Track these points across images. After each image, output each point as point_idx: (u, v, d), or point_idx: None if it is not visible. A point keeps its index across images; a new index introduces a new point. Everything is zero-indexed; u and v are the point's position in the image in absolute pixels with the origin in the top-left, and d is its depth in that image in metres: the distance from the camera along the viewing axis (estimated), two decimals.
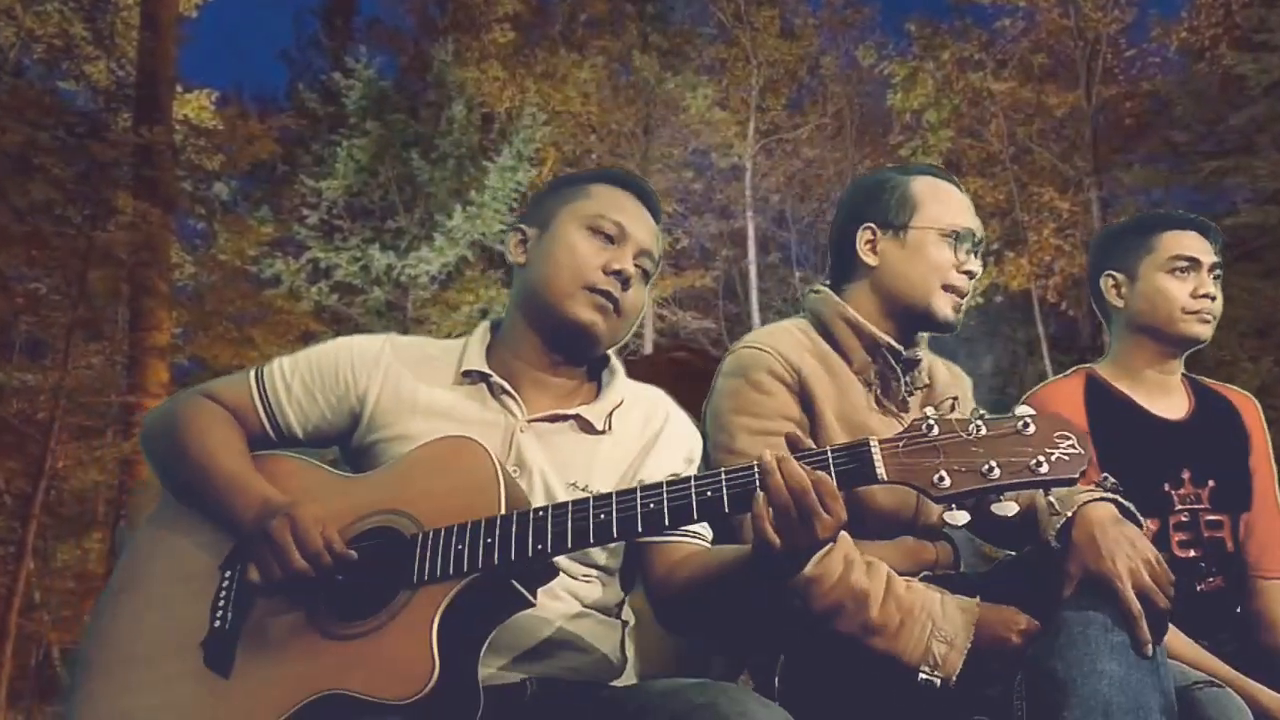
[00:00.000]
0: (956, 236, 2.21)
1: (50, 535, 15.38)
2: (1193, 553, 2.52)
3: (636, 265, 1.95)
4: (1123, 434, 2.56)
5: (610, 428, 1.95)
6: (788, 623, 1.93)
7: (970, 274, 2.23)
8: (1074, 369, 2.80)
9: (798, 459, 1.54)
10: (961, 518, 1.51)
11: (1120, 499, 1.90)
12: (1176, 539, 2.52)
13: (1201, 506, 2.55)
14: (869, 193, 2.32)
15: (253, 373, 1.95)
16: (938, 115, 24.71)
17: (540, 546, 1.58)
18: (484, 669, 1.63)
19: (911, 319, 2.24)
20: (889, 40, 27.35)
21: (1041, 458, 1.47)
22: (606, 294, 1.92)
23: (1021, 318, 24.97)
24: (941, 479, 1.49)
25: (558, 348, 1.98)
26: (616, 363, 2.07)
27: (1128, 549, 1.75)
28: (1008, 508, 1.48)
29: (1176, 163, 22.34)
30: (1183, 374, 2.75)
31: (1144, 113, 24.12)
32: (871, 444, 1.54)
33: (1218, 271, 2.66)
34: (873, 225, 2.27)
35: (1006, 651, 1.79)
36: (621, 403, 1.99)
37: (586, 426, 1.93)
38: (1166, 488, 2.56)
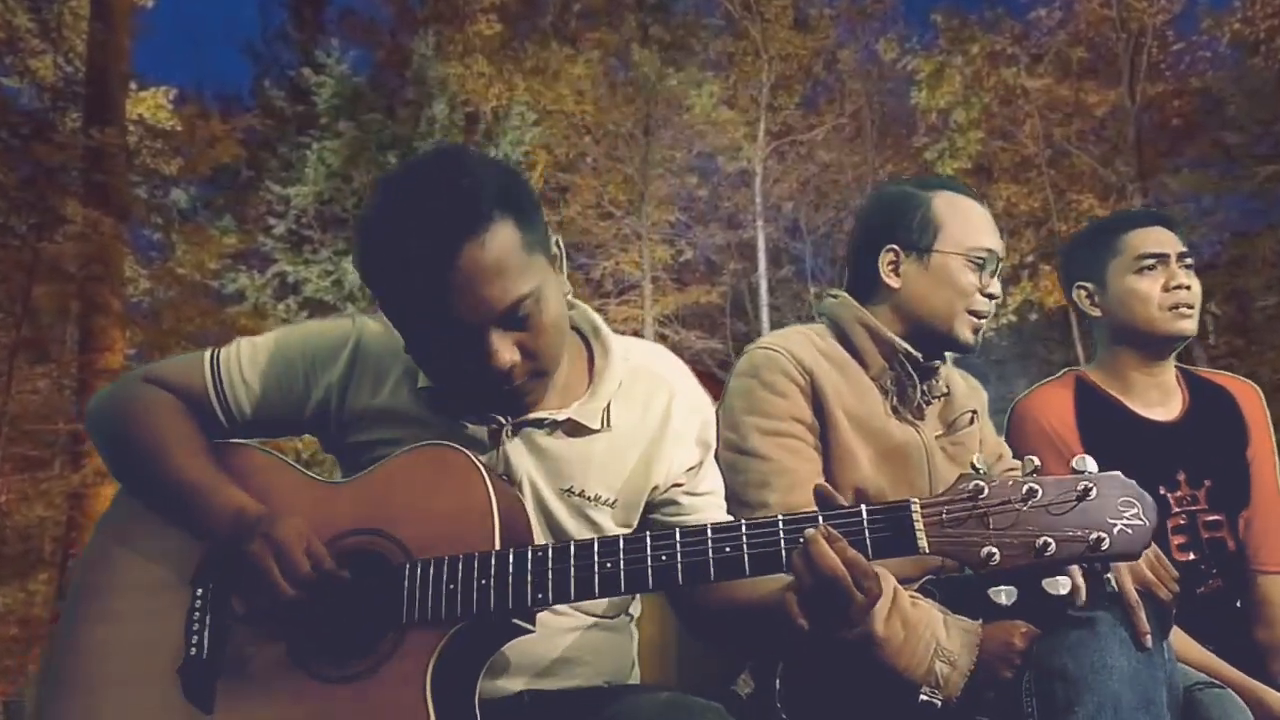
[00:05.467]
0: (981, 261, 2.41)
1: None
2: (1191, 555, 2.69)
3: (501, 321, 1.72)
4: (1114, 439, 2.75)
5: (608, 423, 1.93)
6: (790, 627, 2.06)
7: (991, 296, 2.42)
8: (1063, 371, 2.99)
9: (830, 520, 1.56)
10: (1009, 596, 1.50)
11: None
12: (1175, 543, 2.69)
13: (1199, 508, 2.74)
14: (890, 212, 2.50)
15: (207, 359, 1.95)
16: (966, 115, 24.87)
17: (540, 595, 1.62)
18: (482, 683, 1.70)
19: (932, 340, 2.44)
20: (913, 32, 27.67)
21: (1104, 533, 1.46)
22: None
23: (1058, 337, 25.09)
24: (991, 555, 1.48)
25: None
26: (607, 333, 2.03)
27: None
28: (1061, 584, 1.49)
29: (1229, 167, 22.50)
30: (1178, 367, 2.94)
31: (1193, 112, 24.26)
32: (913, 507, 1.54)
33: (1188, 261, 2.84)
34: (895, 247, 2.46)
35: (1012, 658, 1.94)
36: (619, 386, 1.96)
37: (580, 430, 1.91)
38: (1161, 491, 2.72)
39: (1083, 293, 2.93)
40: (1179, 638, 2.34)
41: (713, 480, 2.08)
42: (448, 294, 1.66)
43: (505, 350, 1.71)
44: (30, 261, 14.13)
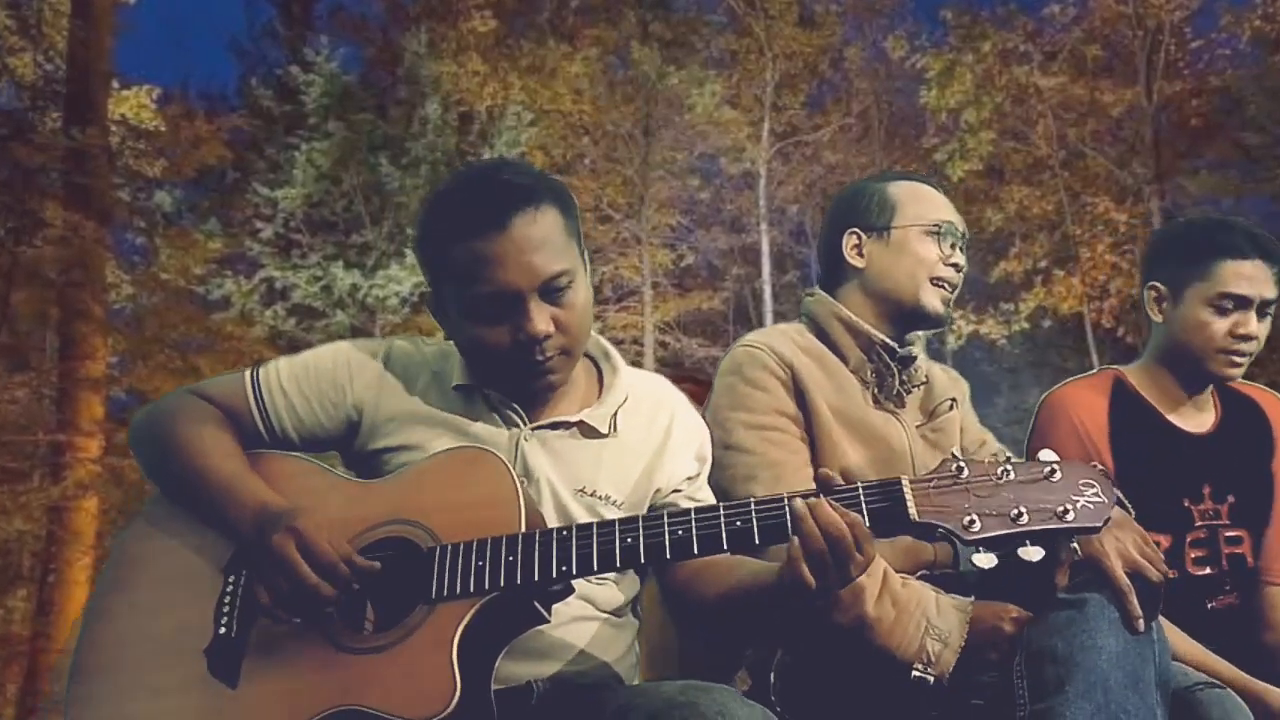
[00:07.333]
0: (939, 230, 2.59)
1: None
2: (1209, 570, 2.77)
3: (541, 291, 2.01)
4: (1145, 446, 2.85)
5: (615, 429, 2.18)
6: (783, 613, 2.16)
7: (956, 266, 2.60)
8: (1101, 369, 3.06)
9: (831, 496, 1.76)
10: (989, 561, 1.70)
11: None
12: (1192, 556, 2.77)
13: (1220, 523, 2.81)
14: (849, 201, 2.73)
15: (248, 374, 2.15)
16: (977, 115, 24.87)
17: (565, 568, 1.78)
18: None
19: (902, 316, 2.61)
20: (922, 29, 27.75)
21: (1068, 505, 1.70)
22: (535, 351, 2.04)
23: (1073, 345, 25.07)
24: (972, 522, 1.70)
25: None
26: (617, 358, 2.30)
27: (1115, 530, 2.05)
28: (1033, 553, 1.69)
29: (1249, 169, 22.53)
30: None
31: (1212, 112, 24.29)
32: (903, 482, 1.76)
33: (1269, 310, 2.85)
34: (857, 230, 2.66)
35: (1001, 643, 2.06)
36: (625, 400, 2.21)
37: (591, 432, 2.15)
38: (1186, 503, 2.81)
39: (1153, 293, 2.94)
40: (1180, 638, 2.45)
41: (707, 493, 2.29)
42: (499, 259, 1.96)
43: (541, 319, 1.99)
44: (9, 266, 14.17)
